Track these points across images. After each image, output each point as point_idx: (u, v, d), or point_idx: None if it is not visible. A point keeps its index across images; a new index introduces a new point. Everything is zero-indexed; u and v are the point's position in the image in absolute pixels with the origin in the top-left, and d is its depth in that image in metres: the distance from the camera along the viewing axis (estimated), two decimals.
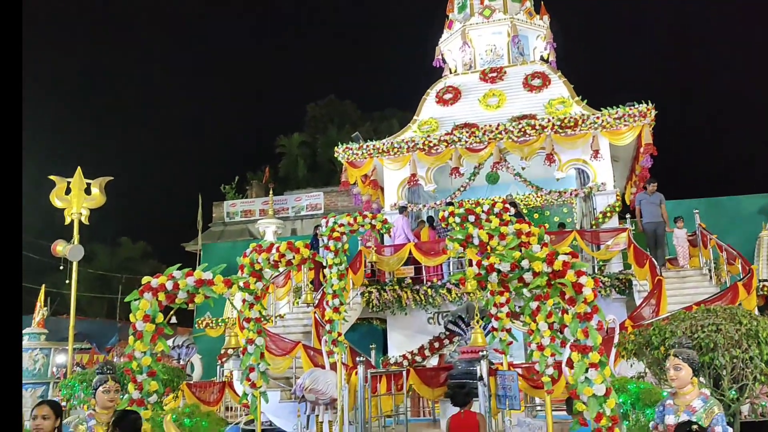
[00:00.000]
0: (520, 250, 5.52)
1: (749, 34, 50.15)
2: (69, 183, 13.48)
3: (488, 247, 6.92)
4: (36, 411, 4.94)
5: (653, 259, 12.78)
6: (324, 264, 8.94)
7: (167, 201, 49.61)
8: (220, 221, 28.94)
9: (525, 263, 5.37)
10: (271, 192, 23.05)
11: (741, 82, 48.62)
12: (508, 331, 7.79)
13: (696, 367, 5.40)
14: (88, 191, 14.00)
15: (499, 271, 5.46)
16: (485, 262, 5.47)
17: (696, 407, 5.22)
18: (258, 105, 67.29)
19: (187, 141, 62.67)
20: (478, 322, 7.09)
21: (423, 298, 14.60)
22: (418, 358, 14.80)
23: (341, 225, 8.84)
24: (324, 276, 15.99)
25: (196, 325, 21.14)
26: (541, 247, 5.61)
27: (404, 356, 14.83)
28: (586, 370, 5.18)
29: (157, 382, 6.03)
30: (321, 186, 31.24)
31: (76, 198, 13.71)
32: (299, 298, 16.33)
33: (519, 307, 12.35)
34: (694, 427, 4.30)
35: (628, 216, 15.41)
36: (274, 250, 7.46)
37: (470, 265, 14.13)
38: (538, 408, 10.70)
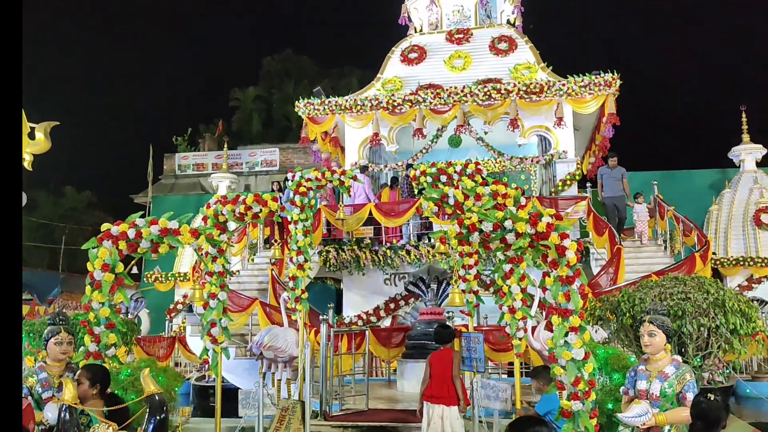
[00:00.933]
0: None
1: (710, 11, 50.99)
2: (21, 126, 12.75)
3: (463, 208, 6.75)
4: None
5: (612, 228, 12.91)
6: (290, 220, 8.64)
7: (115, 151, 48.03)
8: (171, 174, 28.09)
9: (508, 224, 5.22)
10: (225, 146, 22.40)
11: (701, 59, 49.61)
12: (476, 293, 7.70)
13: (670, 334, 5.40)
14: (32, 136, 13.25)
15: (481, 231, 5.30)
16: (467, 222, 5.30)
17: (668, 373, 5.21)
18: (211, 56, 65.16)
19: (139, 90, 60.39)
20: (456, 281, 6.94)
21: (381, 259, 14.45)
22: (373, 319, 14.75)
23: (308, 180, 8.53)
24: (281, 233, 15.84)
25: (144, 279, 20.61)
26: (517, 210, 5.47)
27: (359, 316, 14.75)
28: (566, 334, 5.10)
29: (115, 335, 5.71)
30: (275, 142, 30.57)
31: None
32: (254, 254, 16.01)
33: (488, 271, 12.41)
34: (711, 395, 4.24)
35: (588, 185, 15.53)
36: (240, 202, 7.14)
37: (431, 228, 14.16)
38: (490, 371, 10.78)
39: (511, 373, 10.48)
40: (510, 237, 5.23)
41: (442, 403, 6.98)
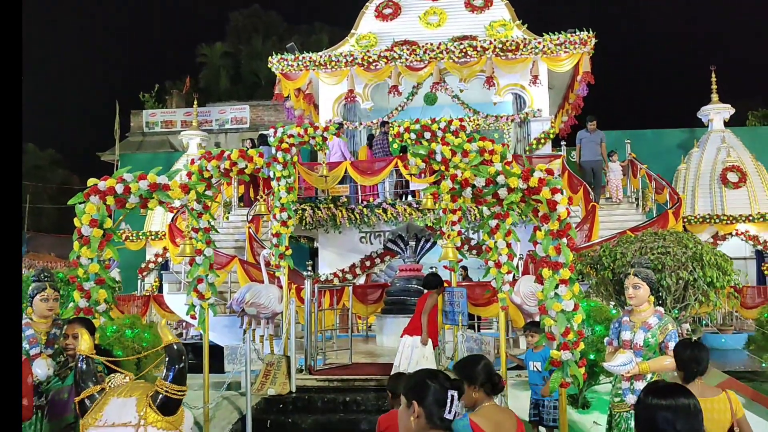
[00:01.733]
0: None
1: None
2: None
3: (450, 163, 6.78)
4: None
5: (587, 186, 13.11)
6: (272, 176, 8.57)
7: (79, 107, 46.65)
8: (138, 131, 27.44)
9: (501, 179, 5.28)
10: (195, 103, 21.96)
11: (673, 19, 49.88)
12: (459, 248, 7.80)
13: (653, 287, 5.55)
14: None
15: (473, 186, 5.35)
16: (460, 177, 5.34)
17: (651, 324, 5.40)
18: (177, 11, 63.30)
19: (104, 44, 58.50)
20: (449, 236, 7.01)
21: (358, 217, 14.46)
22: (348, 276, 14.83)
23: (291, 136, 8.46)
24: (255, 191, 15.72)
25: (115, 238, 20.29)
26: (503, 166, 5.53)
27: (335, 274, 14.81)
28: (556, 286, 5.23)
29: (106, 291, 5.66)
30: (244, 99, 30.04)
31: None
32: (229, 212, 15.90)
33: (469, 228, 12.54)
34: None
35: (563, 143, 15.68)
36: (224, 158, 7.06)
37: (407, 187, 14.20)
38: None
39: (477, 328, 10.76)
40: (502, 192, 5.29)
41: (414, 334, 7.60)
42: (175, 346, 2.86)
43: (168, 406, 2.77)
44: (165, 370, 2.81)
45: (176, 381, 2.80)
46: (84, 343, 2.94)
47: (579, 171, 14.54)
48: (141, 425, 2.70)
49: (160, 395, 2.76)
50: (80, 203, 5.69)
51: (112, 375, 2.98)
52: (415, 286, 11.13)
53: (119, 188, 5.65)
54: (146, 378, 3.55)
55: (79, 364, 2.91)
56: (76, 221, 5.67)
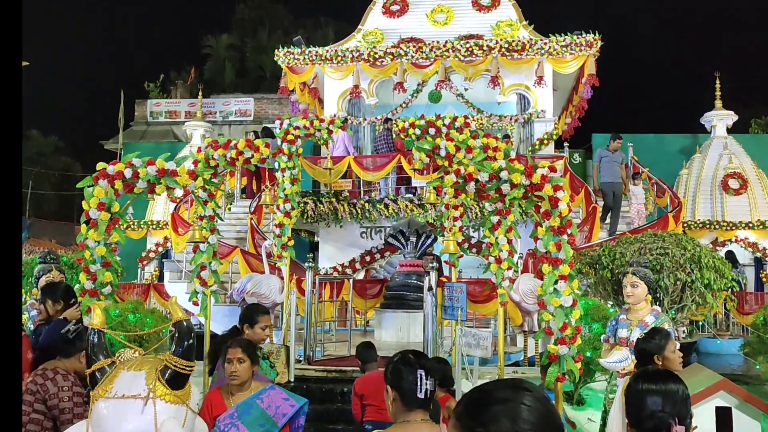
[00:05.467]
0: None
1: None
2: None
3: (454, 159, 6.85)
4: None
5: (588, 187, 13.18)
6: (276, 168, 8.66)
7: (83, 95, 46.67)
8: (142, 120, 27.49)
9: (504, 174, 5.36)
10: (200, 94, 22.00)
11: (677, 24, 49.88)
12: (460, 244, 7.88)
13: (651, 286, 5.65)
14: None
15: (477, 181, 5.43)
16: (464, 171, 5.42)
17: (648, 322, 5.49)
18: (183, 1, 63.24)
19: (110, 33, 58.47)
20: (450, 229, 7.08)
21: (360, 212, 14.54)
22: (348, 271, 14.91)
23: (296, 128, 8.53)
24: (258, 184, 15.80)
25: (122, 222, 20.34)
26: (507, 162, 5.61)
27: (335, 268, 14.89)
28: (556, 282, 5.31)
29: (111, 273, 5.74)
30: (249, 92, 30.05)
31: None
32: (231, 204, 15.98)
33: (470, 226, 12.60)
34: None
35: (566, 145, 15.75)
36: (231, 147, 7.13)
37: (409, 183, 14.28)
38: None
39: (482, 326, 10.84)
40: (505, 187, 5.38)
41: None
42: (185, 323, 2.93)
43: (176, 380, 2.84)
44: (174, 346, 2.88)
45: (185, 356, 2.87)
46: (96, 318, 3.01)
47: (596, 193, 13.74)
48: (150, 397, 2.77)
49: (169, 369, 2.83)
50: (89, 186, 5.77)
51: (122, 350, 3.06)
52: (415, 281, 11.21)
53: (128, 173, 5.73)
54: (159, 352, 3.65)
55: (90, 338, 2.98)
56: (84, 204, 5.75)
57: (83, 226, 5.74)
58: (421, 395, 2.67)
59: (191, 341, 2.92)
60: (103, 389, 2.84)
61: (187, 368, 2.88)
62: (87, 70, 50.97)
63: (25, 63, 13.88)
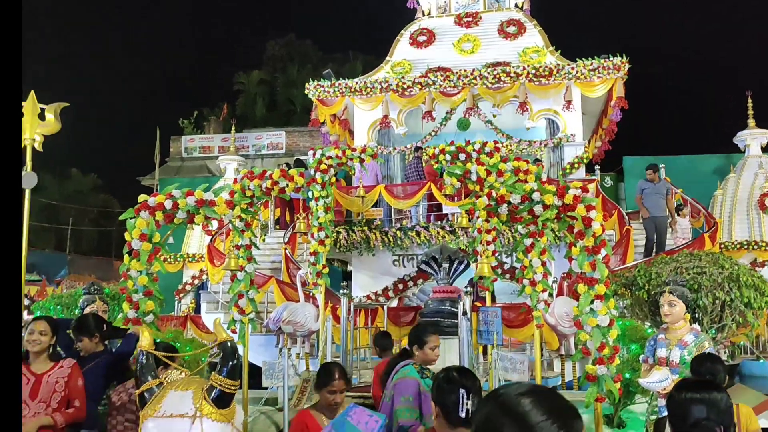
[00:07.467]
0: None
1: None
2: (22, 107, 12.83)
3: (485, 183, 6.92)
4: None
5: (621, 210, 13.08)
6: (309, 197, 8.82)
7: (119, 134, 47.95)
8: (177, 156, 28.15)
9: (536, 196, 5.40)
10: (233, 129, 22.49)
11: (707, 42, 49.52)
12: (494, 268, 7.90)
13: (689, 304, 5.60)
14: (42, 117, 13.36)
15: (509, 203, 5.48)
16: (495, 194, 5.48)
17: (688, 341, 5.42)
18: (215, 40, 65.02)
19: (145, 73, 60.21)
20: (484, 251, 7.11)
21: (392, 240, 14.63)
22: (381, 299, 14.96)
23: (329, 157, 8.70)
24: (291, 214, 16.02)
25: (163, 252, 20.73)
26: (539, 183, 5.65)
27: (368, 297, 14.96)
28: (592, 302, 5.30)
29: (153, 302, 5.89)
30: (279, 126, 30.63)
31: (29, 123, 13.06)
32: (265, 235, 16.20)
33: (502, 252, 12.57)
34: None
35: (597, 168, 15.69)
36: (266, 177, 7.30)
37: (440, 210, 14.35)
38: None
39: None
40: (537, 209, 5.42)
41: None
42: (229, 343, 3.04)
43: (222, 400, 2.93)
44: (219, 366, 2.98)
45: (230, 376, 2.97)
46: (144, 339, 3.13)
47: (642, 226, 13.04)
48: (197, 416, 2.87)
49: (215, 389, 2.93)
50: (131, 218, 5.96)
51: (169, 371, 3.17)
52: (449, 307, 11.19)
53: (168, 204, 5.91)
54: (204, 374, 3.79)
55: (139, 359, 3.10)
56: (126, 235, 5.94)
57: (126, 257, 5.93)
58: (462, 414, 2.68)
59: (235, 361, 3.02)
60: (152, 409, 2.94)
61: (232, 387, 2.97)
62: (123, 109, 52.44)
63: (65, 104, 14.31)
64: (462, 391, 2.70)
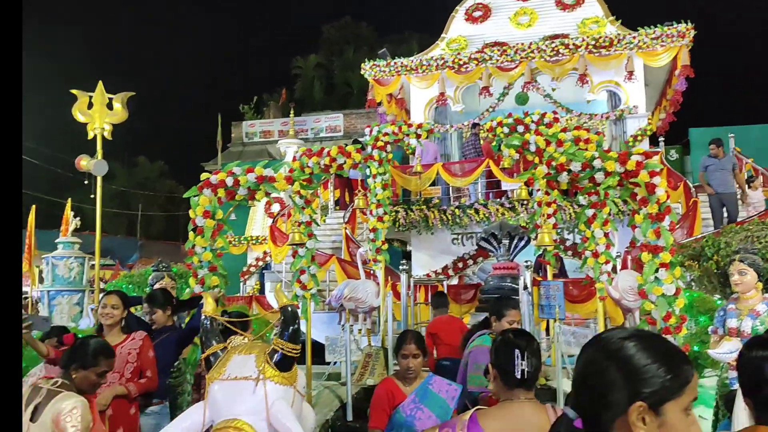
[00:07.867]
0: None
1: None
2: (91, 97, 13.25)
3: (544, 154, 6.80)
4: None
5: (687, 182, 12.64)
6: (367, 174, 8.86)
7: (182, 121, 49.32)
8: (239, 141, 28.76)
9: (597, 163, 5.28)
10: (291, 113, 22.78)
11: None
12: (555, 242, 7.78)
13: (761, 273, 5.38)
14: (110, 106, 13.80)
15: (569, 171, 5.38)
16: (555, 163, 5.39)
17: (760, 311, 5.23)
18: (273, 25, 65.86)
19: (204, 60, 61.74)
20: (545, 222, 7.00)
21: (450, 218, 14.57)
22: (441, 278, 14.97)
23: (386, 134, 8.71)
24: (350, 195, 16.14)
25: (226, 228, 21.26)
26: (600, 150, 5.52)
27: (428, 275, 14.98)
28: (656, 270, 5.17)
29: (218, 277, 6.06)
30: (337, 108, 30.85)
31: (98, 113, 13.50)
32: (326, 215, 16.39)
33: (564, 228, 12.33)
34: None
35: (661, 141, 15.20)
36: (324, 154, 7.36)
37: (499, 187, 14.19)
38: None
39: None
40: (599, 176, 5.30)
41: None
42: (290, 308, 3.10)
43: (284, 363, 3.00)
44: (280, 330, 3.05)
45: (291, 339, 3.03)
46: (208, 305, 3.23)
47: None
48: (260, 379, 2.94)
49: (277, 352, 3.00)
50: (194, 196, 6.13)
51: (232, 336, 3.26)
52: (510, 284, 11.09)
53: (229, 181, 6.04)
54: (266, 338, 3.89)
55: (204, 324, 3.20)
56: (190, 212, 6.11)
57: (191, 234, 6.10)
58: (518, 375, 2.65)
59: (296, 326, 3.09)
60: (218, 372, 3.04)
61: (293, 351, 3.04)
62: (186, 97, 53.83)
63: (131, 93, 14.71)
64: (517, 351, 2.67)
